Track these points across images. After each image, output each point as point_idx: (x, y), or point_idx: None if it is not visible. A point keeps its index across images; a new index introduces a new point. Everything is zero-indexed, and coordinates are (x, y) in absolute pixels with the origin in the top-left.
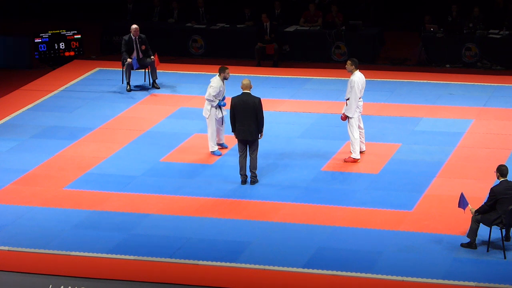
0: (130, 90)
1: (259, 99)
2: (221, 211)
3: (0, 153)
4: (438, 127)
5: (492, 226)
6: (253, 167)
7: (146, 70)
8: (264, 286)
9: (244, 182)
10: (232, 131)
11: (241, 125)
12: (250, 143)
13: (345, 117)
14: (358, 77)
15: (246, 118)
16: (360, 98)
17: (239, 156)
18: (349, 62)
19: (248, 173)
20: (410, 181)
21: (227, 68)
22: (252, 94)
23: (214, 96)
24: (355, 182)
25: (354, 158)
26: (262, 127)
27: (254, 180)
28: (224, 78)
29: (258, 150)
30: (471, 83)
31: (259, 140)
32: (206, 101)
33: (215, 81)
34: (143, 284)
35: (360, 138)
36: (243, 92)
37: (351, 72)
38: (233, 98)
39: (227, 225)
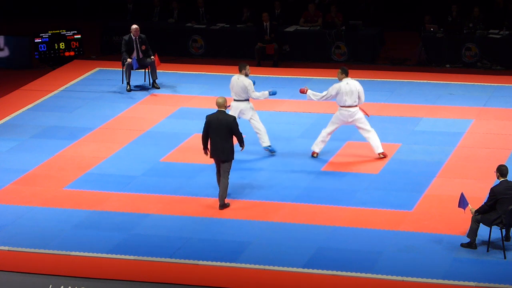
0: (130, 90)
1: (234, 118)
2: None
3: (0, 153)
4: (438, 127)
5: (492, 226)
6: (223, 191)
7: (146, 70)
8: (264, 286)
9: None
10: (203, 148)
11: (214, 144)
12: (223, 164)
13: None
14: (340, 83)
15: (220, 137)
16: (349, 107)
17: (216, 173)
18: (339, 71)
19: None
20: (410, 181)
21: (247, 64)
22: (227, 113)
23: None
24: (355, 182)
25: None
26: (242, 143)
27: (223, 204)
28: (246, 75)
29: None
30: (471, 83)
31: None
32: (249, 102)
33: (245, 79)
34: (143, 284)
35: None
36: (218, 110)
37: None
38: (208, 116)
39: (227, 225)
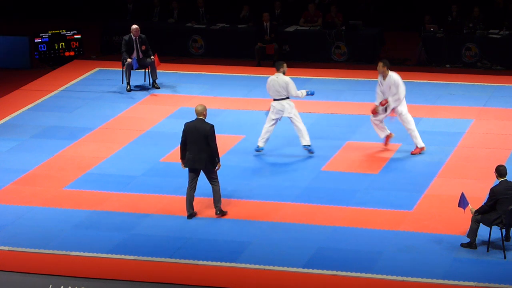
0: (130, 90)
1: (211, 126)
2: None
3: (0, 153)
4: (438, 127)
5: (492, 226)
6: (216, 200)
7: (146, 70)
8: (264, 286)
9: (189, 216)
10: (181, 158)
11: (190, 152)
12: (206, 174)
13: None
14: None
15: (196, 146)
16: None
17: (187, 188)
18: (380, 63)
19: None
20: (410, 181)
21: (284, 63)
22: (206, 121)
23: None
24: (355, 182)
25: (419, 148)
26: (217, 157)
27: (220, 212)
28: (283, 73)
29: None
30: (471, 83)
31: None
32: (290, 100)
33: (285, 77)
34: (143, 284)
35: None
36: (196, 118)
37: (383, 73)
38: (186, 123)
39: (227, 225)
